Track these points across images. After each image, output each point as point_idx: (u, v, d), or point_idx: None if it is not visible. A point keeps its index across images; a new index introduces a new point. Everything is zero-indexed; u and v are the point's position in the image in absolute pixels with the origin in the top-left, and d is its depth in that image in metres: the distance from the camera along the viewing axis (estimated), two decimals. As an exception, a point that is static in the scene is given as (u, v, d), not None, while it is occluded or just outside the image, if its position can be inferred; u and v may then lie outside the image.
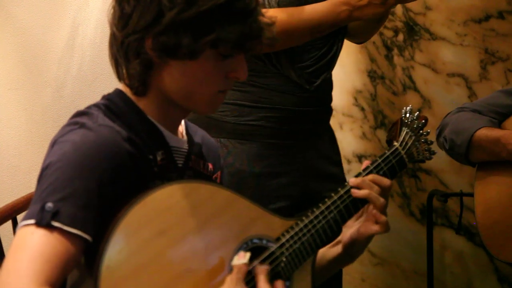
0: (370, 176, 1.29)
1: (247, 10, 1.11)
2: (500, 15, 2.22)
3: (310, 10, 1.60)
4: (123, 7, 1.12)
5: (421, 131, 1.39)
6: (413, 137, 1.37)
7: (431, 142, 1.40)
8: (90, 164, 1.04)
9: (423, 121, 1.39)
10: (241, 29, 1.10)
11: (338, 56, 1.78)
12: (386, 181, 1.29)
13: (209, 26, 1.08)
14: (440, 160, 2.40)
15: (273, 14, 1.55)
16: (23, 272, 0.96)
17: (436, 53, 2.37)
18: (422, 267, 2.47)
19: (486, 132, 1.84)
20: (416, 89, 2.44)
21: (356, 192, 1.27)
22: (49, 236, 0.99)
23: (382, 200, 1.27)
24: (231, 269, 1.10)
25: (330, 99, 1.85)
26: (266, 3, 1.60)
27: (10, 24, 2.14)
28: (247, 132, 1.68)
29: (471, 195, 1.94)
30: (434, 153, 1.41)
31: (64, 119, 2.29)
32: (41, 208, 1.00)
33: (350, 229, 1.31)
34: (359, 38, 1.97)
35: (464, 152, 1.86)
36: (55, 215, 1.00)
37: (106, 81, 2.31)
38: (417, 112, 1.39)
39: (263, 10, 1.17)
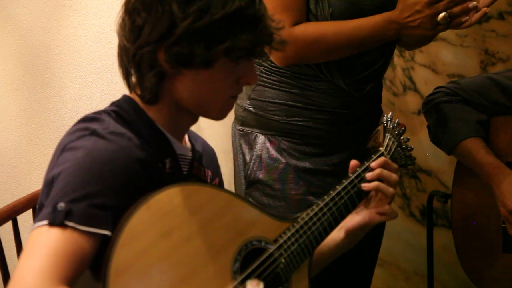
0: (381, 160, 1.32)
1: (257, 16, 1.12)
2: (500, 16, 2.22)
3: (359, 25, 1.58)
4: (134, 19, 1.11)
5: (401, 137, 1.44)
6: (396, 143, 1.42)
7: (412, 149, 1.46)
8: (103, 170, 1.04)
9: (403, 128, 1.45)
10: (252, 36, 1.10)
11: (388, 65, 1.78)
12: (394, 165, 1.33)
13: (222, 34, 1.08)
14: (440, 161, 2.40)
15: (323, 27, 1.56)
16: (37, 268, 0.95)
17: (436, 54, 2.37)
18: (422, 268, 2.47)
19: (471, 147, 1.86)
20: (416, 90, 2.44)
21: (366, 186, 1.31)
22: (63, 234, 0.99)
23: (391, 190, 1.31)
24: (235, 272, 1.10)
25: (379, 101, 1.84)
26: (319, 15, 1.59)
27: (11, 25, 2.14)
28: (295, 131, 1.69)
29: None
30: (414, 158, 1.47)
31: (65, 119, 2.30)
32: (53, 209, 1.00)
33: (356, 216, 1.33)
34: (409, 48, 1.99)
35: (447, 152, 1.93)
36: (67, 215, 1.00)
37: (106, 82, 2.31)
38: (397, 120, 1.45)
39: (271, 14, 1.17)
